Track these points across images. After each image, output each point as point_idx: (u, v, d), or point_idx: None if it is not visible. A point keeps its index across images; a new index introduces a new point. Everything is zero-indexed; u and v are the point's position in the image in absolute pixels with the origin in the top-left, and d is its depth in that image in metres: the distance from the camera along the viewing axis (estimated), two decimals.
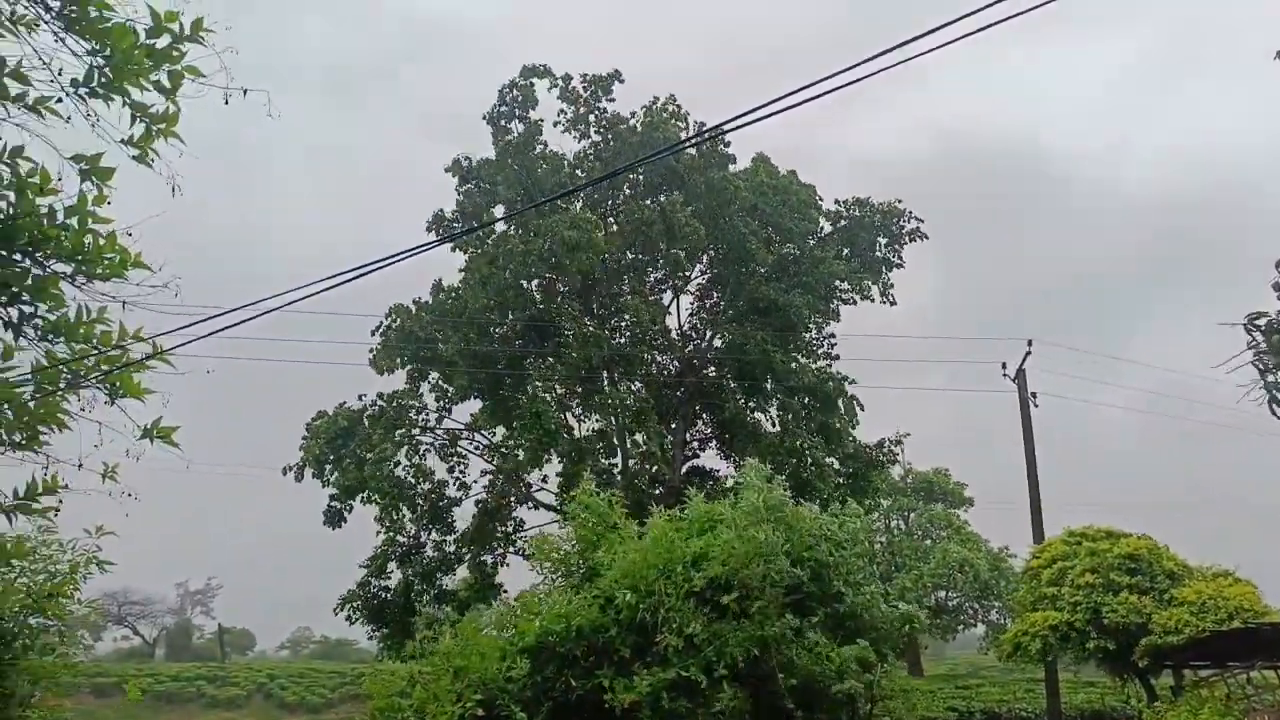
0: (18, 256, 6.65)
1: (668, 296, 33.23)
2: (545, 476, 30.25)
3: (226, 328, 7.39)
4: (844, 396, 31.18)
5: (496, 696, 9.57)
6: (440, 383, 31.15)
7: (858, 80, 5.70)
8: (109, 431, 7.07)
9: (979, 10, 5.18)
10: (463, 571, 30.29)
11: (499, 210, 31.05)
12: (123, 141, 6.50)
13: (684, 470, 30.84)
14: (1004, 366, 29.01)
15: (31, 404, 6.92)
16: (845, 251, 33.38)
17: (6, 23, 6.05)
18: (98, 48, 6.18)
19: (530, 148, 30.58)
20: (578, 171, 30.81)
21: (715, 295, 33.19)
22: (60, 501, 7.34)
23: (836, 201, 33.84)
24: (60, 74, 6.21)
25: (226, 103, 6.37)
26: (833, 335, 33.25)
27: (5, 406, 6.76)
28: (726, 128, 8.58)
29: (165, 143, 6.59)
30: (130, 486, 7.37)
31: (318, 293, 7.41)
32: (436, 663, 9.99)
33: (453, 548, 30.32)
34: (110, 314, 7.00)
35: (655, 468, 28.37)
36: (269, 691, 53.14)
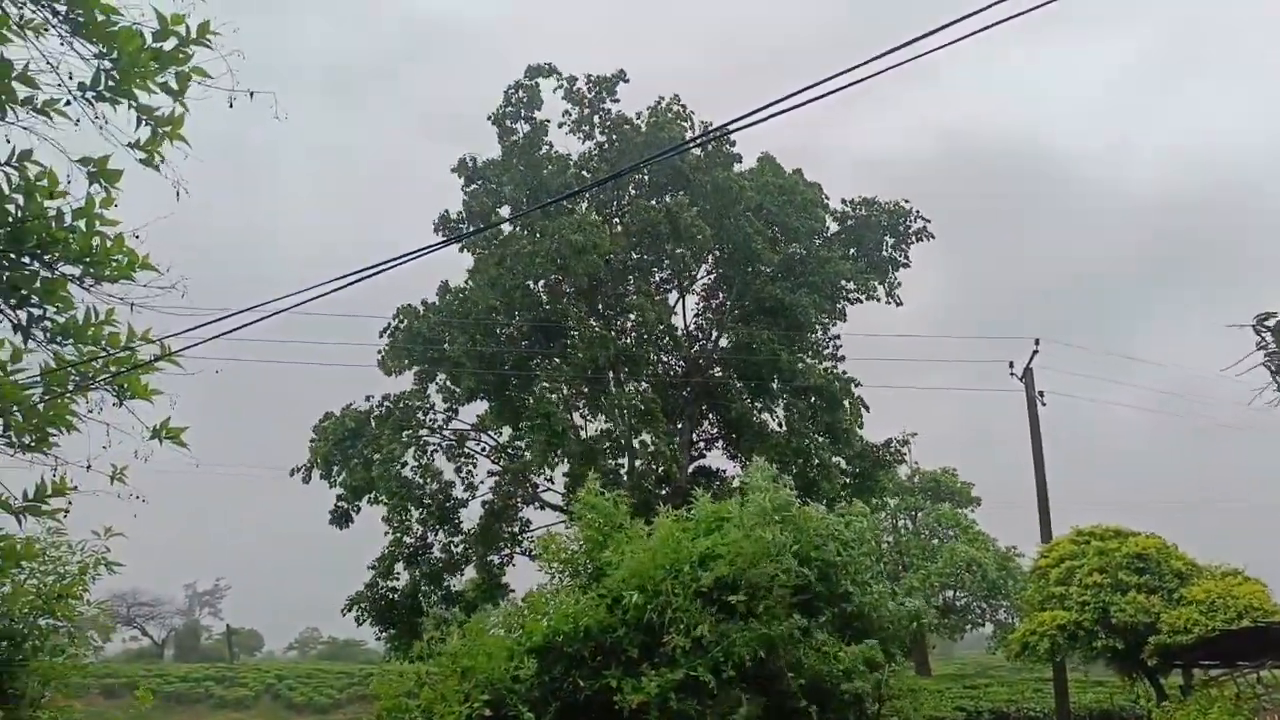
0: (26, 259, 6.68)
1: (673, 296, 33.26)
2: (552, 477, 30.32)
3: (236, 329, 7.42)
4: (850, 397, 31.17)
5: (504, 697, 9.57)
6: (447, 383, 31.20)
7: (862, 80, 5.70)
8: (117, 433, 7.10)
9: (982, 10, 5.18)
10: (470, 572, 30.34)
11: (505, 211, 31.09)
12: (130, 145, 6.53)
13: (690, 470, 30.84)
14: (1011, 365, 28.94)
15: (40, 406, 6.95)
16: (852, 251, 33.36)
17: (14, 27, 6.08)
18: (105, 51, 6.20)
19: (536, 148, 30.64)
20: (583, 172, 30.84)
21: (721, 295, 33.19)
22: (69, 503, 7.36)
23: (843, 201, 33.86)
24: (70, 78, 6.24)
25: (231, 106, 6.40)
26: (837, 337, 33.27)
27: (15, 409, 6.79)
28: (731, 127, 8.60)
29: (171, 145, 6.62)
30: (138, 488, 7.39)
31: (326, 294, 7.43)
32: (444, 663, 10.00)
33: (460, 548, 30.36)
34: (118, 316, 7.03)
35: (662, 468, 28.36)
36: (277, 692, 53.29)
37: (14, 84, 6.14)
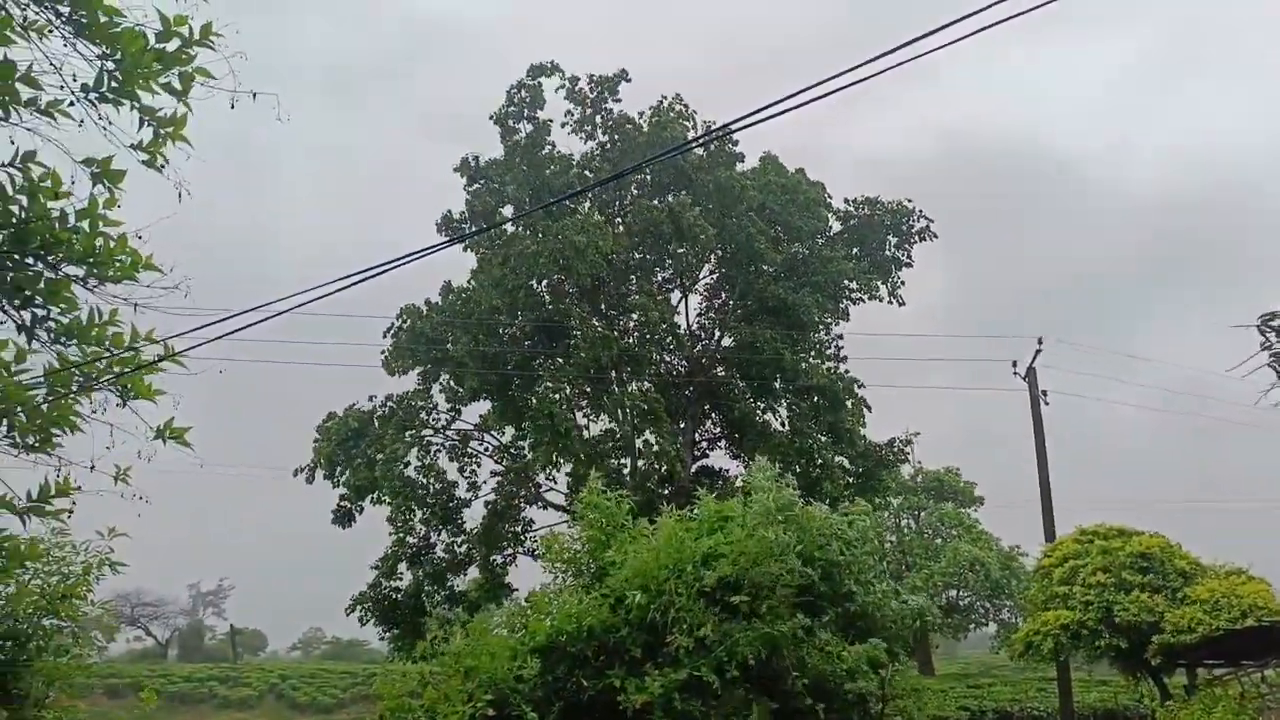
0: (30, 260, 6.70)
1: (676, 296, 33.24)
2: (554, 477, 30.34)
3: (240, 329, 7.43)
4: (853, 397, 31.16)
5: (507, 696, 9.58)
6: (451, 383, 31.23)
7: (863, 80, 5.71)
8: (120, 433, 7.12)
9: (982, 10, 5.19)
10: (473, 572, 30.37)
11: (508, 210, 31.11)
12: (132, 146, 6.54)
13: (693, 470, 30.84)
14: (1014, 365, 28.88)
15: (44, 407, 6.96)
16: (855, 251, 33.34)
17: (18, 28, 6.09)
18: (108, 52, 6.22)
19: (539, 148, 30.64)
20: (585, 172, 30.85)
21: (724, 295, 33.18)
22: (73, 503, 7.38)
23: (846, 200, 33.84)
24: (74, 79, 6.25)
25: (233, 107, 6.42)
26: (840, 337, 33.25)
27: (19, 409, 6.81)
28: (734, 127, 8.59)
29: (173, 145, 6.63)
30: (141, 488, 7.41)
31: (329, 294, 7.44)
32: (447, 663, 10.00)
33: (463, 549, 30.39)
34: (122, 316, 7.05)
35: (665, 467, 28.36)
36: (281, 692, 53.35)
37: (18, 85, 6.16)
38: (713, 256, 32.59)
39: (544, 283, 30.14)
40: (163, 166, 6.61)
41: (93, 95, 6.29)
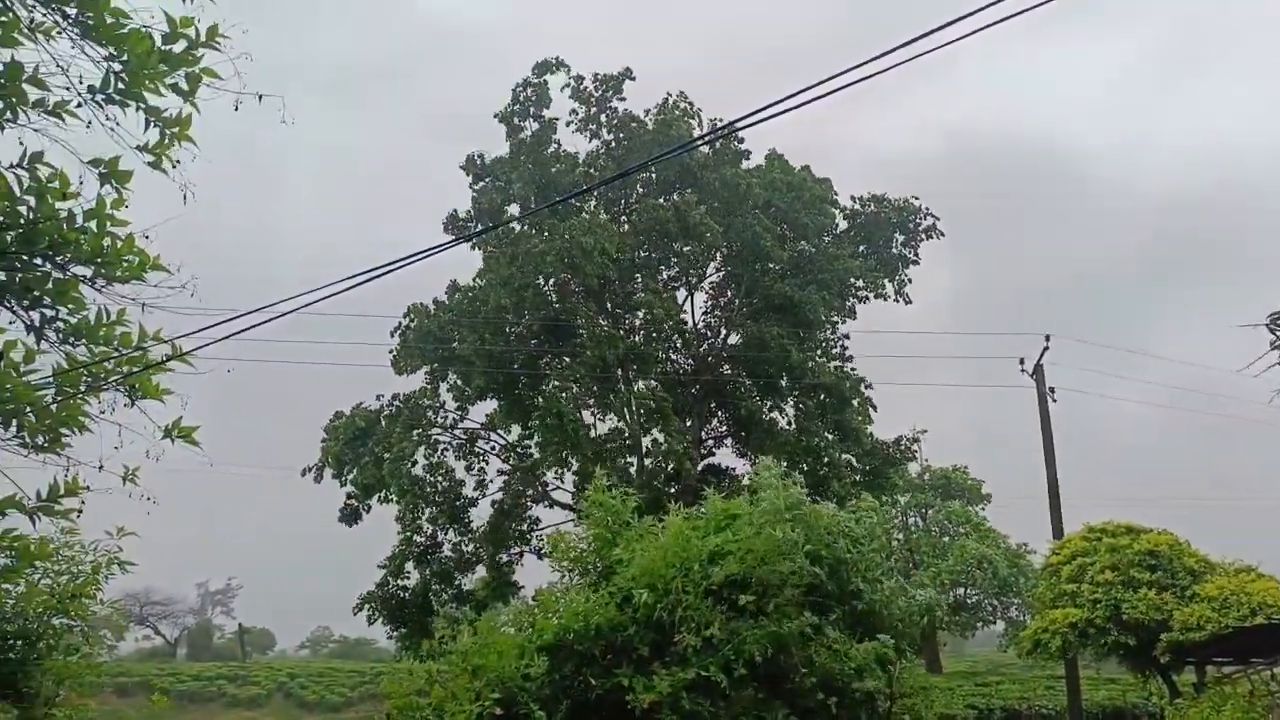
0: (38, 260, 6.72)
1: (681, 294, 33.23)
2: (562, 475, 30.35)
3: (248, 329, 7.46)
4: (859, 396, 31.11)
5: (515, 695, 9.58)
6: (458, 382, 31.27)
7: (868, 78, 5.71)
8: (128, 433, 7.15)
9: (987, 6, 5.18)
10: (480, 571, 30.43)
11: (514, 208, 31.12)
12: (138, 148, 6.56)
13: (699, 468, 30.84)
14: (1022, 362, 28.84)
15: (53, 407, 6.99)
16: (861, 249, 33.28)
17: (25, 29, 6.12)
18: (114, 54, 6.23)
19: (544, 146, 30.63)
20: (590, 171, 30.85)
21: (729, 293, 33.14)
22: (82, 503, 7.42)
23: (852, 198, 33.78)
24: (80, 81, 6.27)
25: (237, 109, 6.44)
26: (847, 336, 33.21)
27: (28, 410, 6.83)
28: (738, 125, 8.59)
29: (179, 146, 6.65)
30: (150, 488, 7.45)
31: (337, 294, 7.46)
32: (454, 661, 10.00)
33: (470, 547, 30.44)
34: (129, 316, 7.08)
35: (672, 465, 28.36)
36: (289, 690, 53.47)
37: (25, 86, 6.18)
38: (718, 254, 32.56)
39: (550, 281, 30.16)
40: (175, 165, 6.64)
41: (99, 97, 6.31)
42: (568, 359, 28.78)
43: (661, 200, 31.00)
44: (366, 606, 29.58)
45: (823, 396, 30.81)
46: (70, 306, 6.92)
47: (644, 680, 9.52)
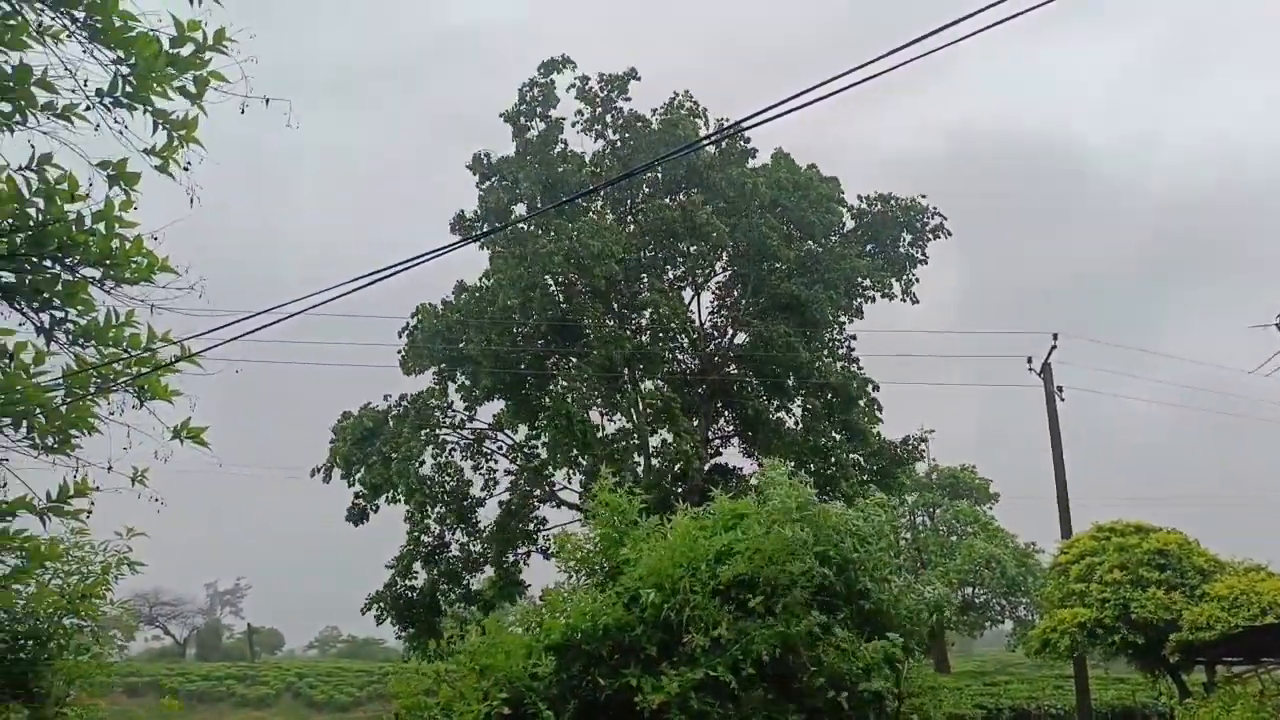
0: (48, 262, 6.76)
1: (688, 294, 33.21)
2: (569, 475, 30.37)
3: (256, 330, 7.47)
4: (866, 395, 31.05)
5: (523, 695, 9.58)
6: (466, 382, 31.30)
7: (872, 78, 5.71)
8: (137, 434, 7.18)
9: (988, 6, 5.18)
10: (488, 571, 30.47)
11: (520, 208, 31.16)
12: (146, 151, 6.59)
13: (706, 468, 30.83)
14: (1029, 361, 28.74)
15: (63, 408, 7.02)
16: (868, 248, 33.21)
17: (34, 33, 6.15)
18: (122, 57, 6.26)
19: (551, 146, 30.65)
20: (596, 171, 30.87)
21: (736, 292, 33.12)
22: (92, 504, 7.45)
23: (859, 197, 33.70)
24: (85, 84, 6.30)
25: (243, 112, 6.46)
26: (854, 336, 33.13)
27: (38, 411, 6.87)
28: (744, 126, 8.59)
29: (187, 148, 6.68)
30: (158, 489, 7.48)
31: (344, 294, 7.47)
32: (462, 661, 10.02)
33: (478, 547, 30.48)
34: (138, 317, 7.11)
35: (680, 465, 28.36)
36: (298, 690, 53.62)
37: (34, 89, 6.21)
38: (725, 254, 32.53)
39: (558, 281, 30.18)
40: (185, 169, 6.66)
41: (108, 100, 6.34)
42: (575, 359, 28.79)
43: (668, 200, 31.00)
44: (374, 606, 29.65)
45: (830, 396, 30.75)
46: (79, 308, 6.95)
47: (652, 680, 9.51)
